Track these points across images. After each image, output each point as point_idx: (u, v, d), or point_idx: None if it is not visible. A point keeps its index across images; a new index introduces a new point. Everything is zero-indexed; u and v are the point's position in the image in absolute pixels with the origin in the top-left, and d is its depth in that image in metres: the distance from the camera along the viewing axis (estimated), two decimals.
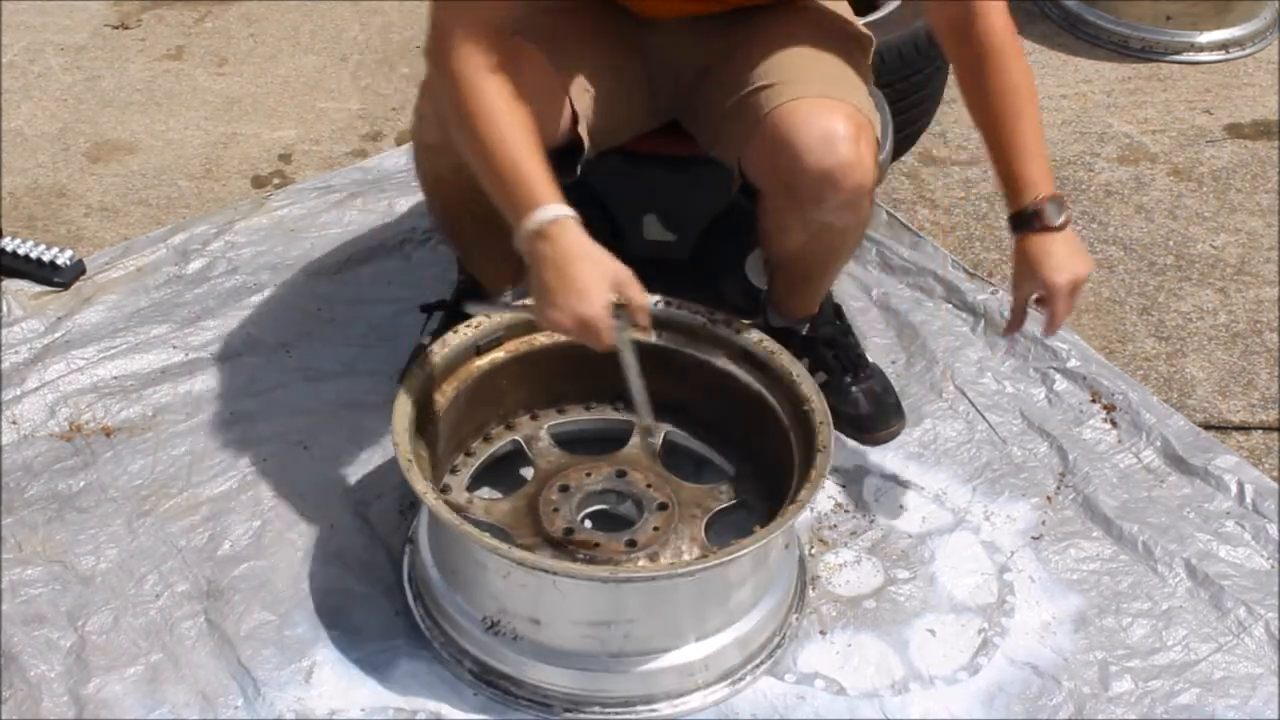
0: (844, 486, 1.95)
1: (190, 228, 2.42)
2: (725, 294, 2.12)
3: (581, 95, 1.73)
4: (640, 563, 1.68)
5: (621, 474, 1.81)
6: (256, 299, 2.25)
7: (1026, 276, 1.67)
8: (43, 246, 2.29)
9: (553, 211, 1.48)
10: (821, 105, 1.65)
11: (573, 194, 1.56)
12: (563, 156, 1.70)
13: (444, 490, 1.79)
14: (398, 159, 2.66)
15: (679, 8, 1.78)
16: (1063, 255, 1.64)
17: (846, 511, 1.91)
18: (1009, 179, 1.65)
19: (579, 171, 1.75)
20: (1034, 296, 1.68)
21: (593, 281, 1.47)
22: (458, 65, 1.54)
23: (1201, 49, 3.15)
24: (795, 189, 1.67)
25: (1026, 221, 1.64)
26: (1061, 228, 1.64)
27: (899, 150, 2.58)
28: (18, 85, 2.93)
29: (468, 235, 1.91)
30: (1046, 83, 3.05)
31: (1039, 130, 1.66)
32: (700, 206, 2.10)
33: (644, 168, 1.87)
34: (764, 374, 1.79)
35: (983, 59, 1.64)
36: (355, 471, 1.93)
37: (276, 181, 2.64)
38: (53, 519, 1.83)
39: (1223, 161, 2.77)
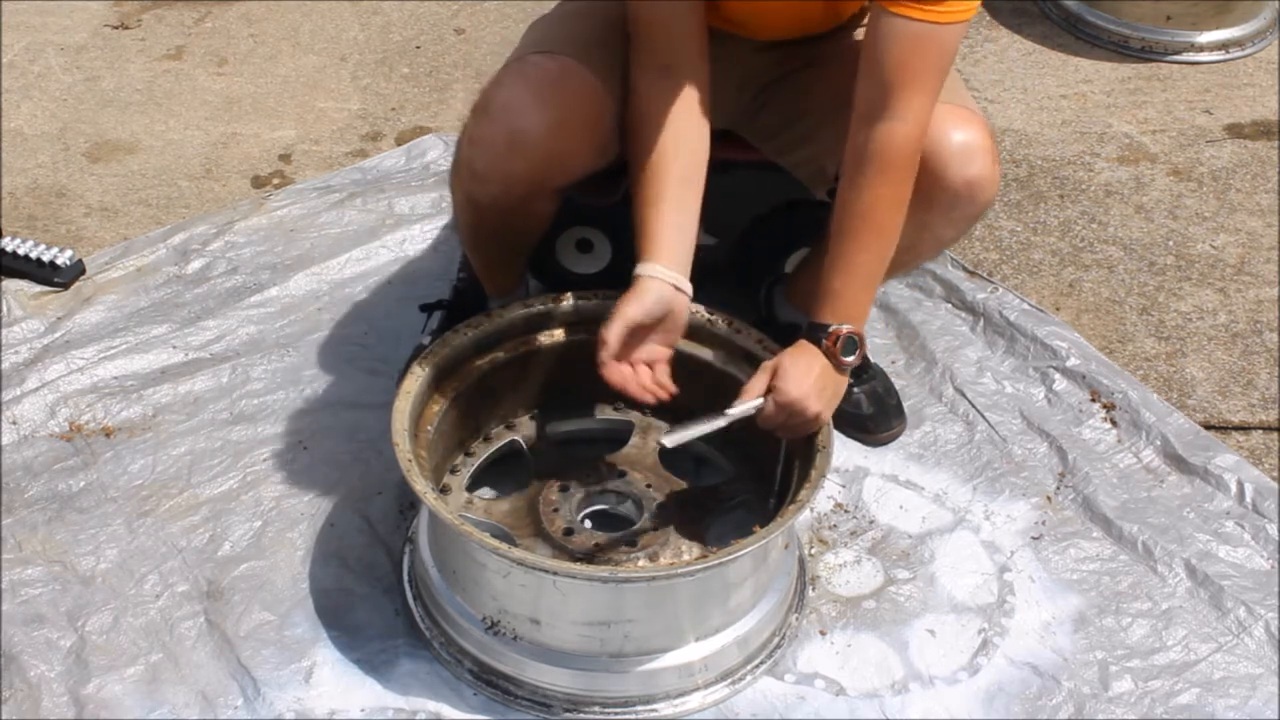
0: (844, 486, 1.95)
1: (190, 228, 2.42)
2: (762, 297, 2.13)
3: None
4: (640, 563, 1.68)
5: (621, 474, 1.81)
6: (256, 299, 2.25)
7: (771, 370, 1.62)
8: (43, 246, 2.29)
9: (636, 270, 1.63)
10: (956, 113, 1.64)
11: (617, 201, 1.73)
12: (610, 177, 1.72)
13: (444, 490, 1.79)
14: (397, 159, 2.66)
15: (768, 32, 1.78)
16: (815, 385, 1.59)
17: (846, 511, 1.92)
18: (826, 295, 1.61)
19: (622, 194, 1.78)
20: (762, 390, 1.62)
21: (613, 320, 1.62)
22: (632, 102, 1.66)
23: (1201, 49, 3.15)
24: (928, 196, 1.65)
25: (819, 334, 1.61)
26: (840, 366, 1.62)
27: None
28: (18, 85, 2.93)
29: (487, 251, 1.92)
30: (1047, 82, 3.05)
31: (879, 263, 1.61)
32: (741, 211, 2.10)
33: None
34: None
35: (864, 164, 1.57)
36: (355, 471, 1.93)
37: (276, 181, 2.64)
38: (53, 519, 1.83)
39: (1223, 161, 2.77)
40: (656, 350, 1.68)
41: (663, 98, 1.64)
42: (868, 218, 1.59)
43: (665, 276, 1.62)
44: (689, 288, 1.65)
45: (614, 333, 1.60)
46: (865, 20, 1.80)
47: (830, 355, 1.61)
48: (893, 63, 1.55)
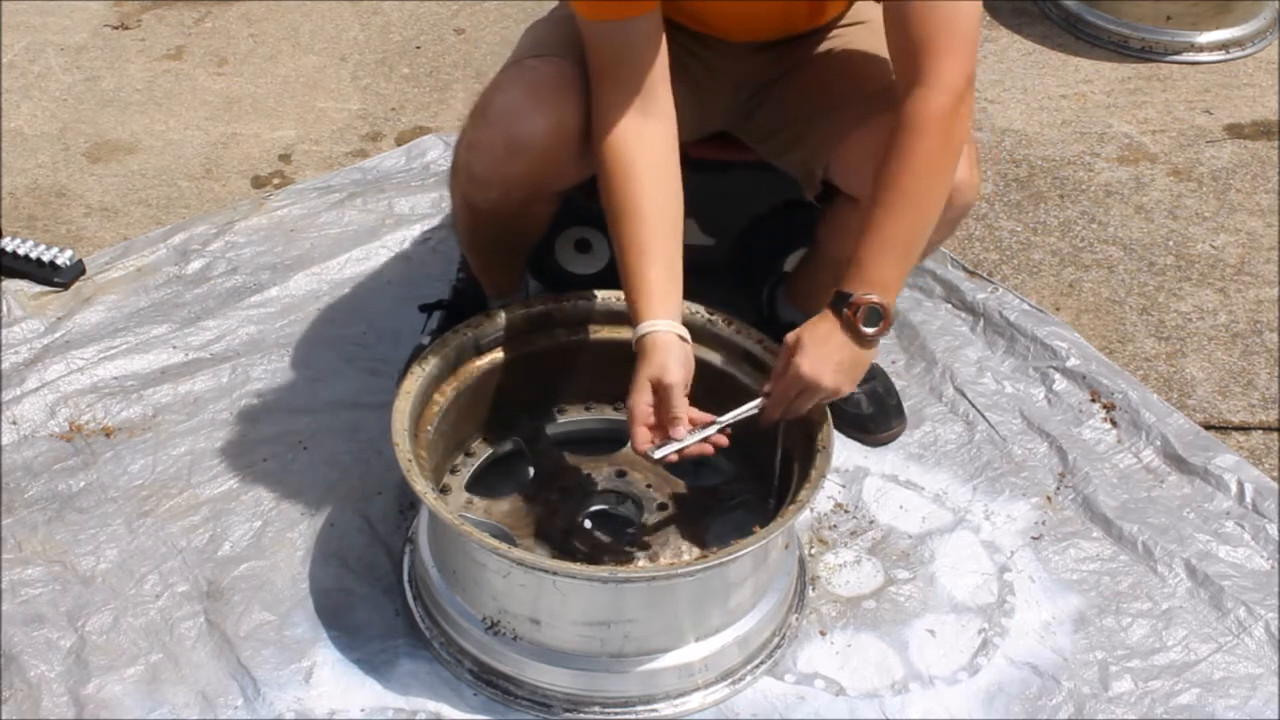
0: (844, 486, 1.95)
1: (190, 228, 2.42)
2: (764, 297, 2.13)
3: None
4: (640, 563, 1.68)
5: (621, 474, 1.81)
6: (256, 299, 2.25)
7: (791, 346, 1.58)
8: (43, 246, 2.29)
9: (646, 327, 1.58)
10: None
11: None
12: None
13: (444, 490, 1.79)
14: (397, 159, 2.66)
15: (752, 34, 1.78)
16: (831, 359, 1.55)
17: (846, 511, 1.92)
18: (852, 264, 1.55)
19: None
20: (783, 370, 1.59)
21: (636, 383, 1.57)
22: (608, 144, 1.61)
23: (1201, 49, 3.15)
24: None
25: (841, 305, 1.55)
26: (862, 338, 1.55)
27: None
28: (18, 85, 2.93)
29: (486, 253, 1.92)
30: (1047, 82, 3.05)
31: (908, 232, 1.55)
32: (739, 211, 2.10)
33: (684, 173, 1.90)
34: (764, 375, 1.79)
35: (896, 133, 1.53)
36: (355, 471, 1.93)
37: (276, 181, 2.64)
38: (53, 519, 1.83)
39: (1223, 161, 2.77)
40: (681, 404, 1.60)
41: (642, 141, 1.61)
42: (894, 185, 1.53)
43: (675, 330, 1.59)
44: (689, 336, 1.62)
45: (681, 407, 1.55)
46: (845, 20, 1.82)
47: (850, 327, 1.55)
48: (913, 32, 1.53)
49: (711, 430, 1.60)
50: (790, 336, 1.59)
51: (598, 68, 1.62)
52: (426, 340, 1.96)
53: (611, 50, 1.60)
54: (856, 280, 1.55)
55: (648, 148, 1.62)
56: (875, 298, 1.54)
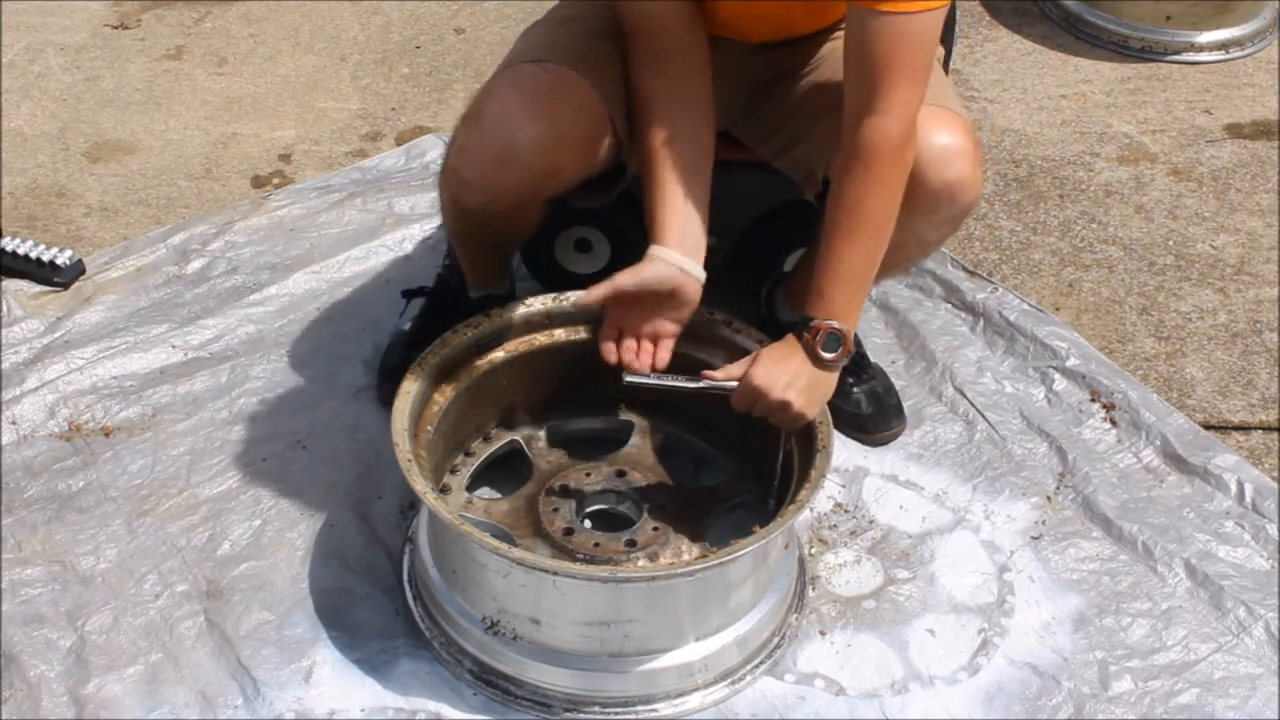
0: (844, 486, 1.95)
1: (190, 228, 2.42)
2: (763, 297, 2.13)
3: (627, 119, 1.74)
4: (640, 563, 1.68)
5: (621, 474, 1.81)
6: (256, 298, 2.25)
7: (751, 358, 1.63)
8: (43, 246, 2.29)
9: (649, 250, 1.65)
10: (937, 115, 1.63)
11: (617, 201, 1.80)
12: (605, 180, 1.72)
13: (444, 490, 1.79)
14: (397, 159, 2.66)
15: (752, 34, 1.79)
16: (785, 376, 1.59)
17: (846, 511, 1.92)
18: (814, 290, 1.61)
19: (616, 196, 1.82)
20: (740, 375, 1.63)
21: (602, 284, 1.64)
22: (636, 98, 1.69)
23: (1201, 49, 3.15)
24: (908, 198, 1.62)
25: (803, 329, 1.60)
26: (822, 363, 1.60)
27: None
28: (18, 85, 2.93)
29: (471, 248, 1.93)
30: (1046, 82, 3.05)
31: (867, 259, 1.59)
32: (740, 211, 2.11)
33: None
34: None
35: (852, 159, 1.56)
36: (355, 471, 1.93)
37: (276, 181, 2.64)
38: (53, 519, 1.83)
39: (1223, 161, 2.77)
40: (663, 326, 1.69)
41: (661, 88, 1.66)
42: (855, 212, 1.58)
43: (670, 258, 1.62)
44: (699, 272, 1.65)
45: (594, 295, 1.62)
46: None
47: (810, 350, 1.60)
48: (874, 59, 1.54)
49: (687, 386, 1.65)
50: (756, 352, 1.64)
51: (628, 31, 1.69)
52: (407, 326, 2.00)
53: (634, 22, 1.66)
54: (818, 306, 1.60)
55: (669, 104, 1.66)
56: (835, 324, 1.59)
